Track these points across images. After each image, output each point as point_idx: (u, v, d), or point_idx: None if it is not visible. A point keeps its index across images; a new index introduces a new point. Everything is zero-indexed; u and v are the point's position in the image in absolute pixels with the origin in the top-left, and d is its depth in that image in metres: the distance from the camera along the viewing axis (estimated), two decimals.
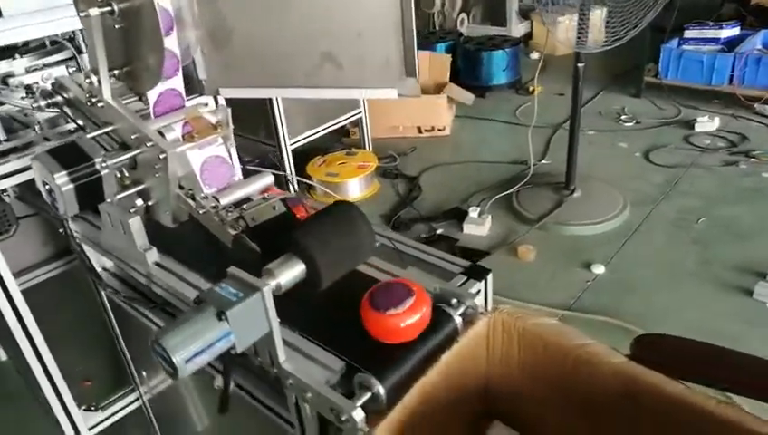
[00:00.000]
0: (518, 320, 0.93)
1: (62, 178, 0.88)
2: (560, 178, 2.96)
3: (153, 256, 1.08)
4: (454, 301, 0.92)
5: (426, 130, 3.88)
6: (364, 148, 3.64)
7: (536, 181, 3.11)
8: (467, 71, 4.41)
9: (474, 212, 2.80)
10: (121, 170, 1.02)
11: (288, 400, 0.86)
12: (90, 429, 1.54)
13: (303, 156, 3.36)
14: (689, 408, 0.79)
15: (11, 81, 1.42)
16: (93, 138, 1.00)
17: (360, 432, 0.73)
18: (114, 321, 1.43)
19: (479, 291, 1.15)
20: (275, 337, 0.79)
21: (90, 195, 0.93)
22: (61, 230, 1.16)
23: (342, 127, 3.75)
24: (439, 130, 3.87)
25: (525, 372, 0.97)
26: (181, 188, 1.00)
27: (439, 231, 2.77)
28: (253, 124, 3.26)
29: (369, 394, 0.76)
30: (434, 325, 0.86)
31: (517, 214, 2.88)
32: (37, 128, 1.27)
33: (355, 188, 3.22)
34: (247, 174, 1.08)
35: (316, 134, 3.34)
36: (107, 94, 0.98)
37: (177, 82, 1.02)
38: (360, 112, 3.54)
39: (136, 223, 1.05)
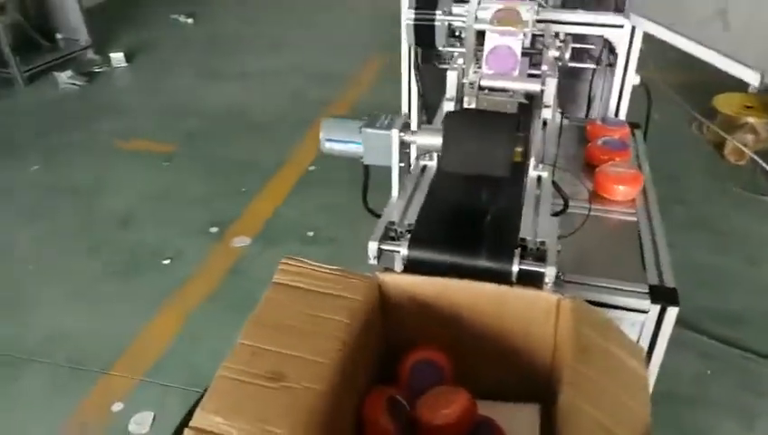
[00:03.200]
0: (576, 315, 0.88)
1: (409, 14, 1.22)
2: None
3: (449, 106, 1.36)
4: (543, 261, 0.92)
5: None
6: None
7: None
8: None
9: None
10: (460, 30, 1.30)
11: None
12: None
13: None
14: None
15: None
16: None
17: (370, 259, 0.94)
18: None
19: (647, 311, 1.03)
20: (393, 173, 1.02)
21: (425, 36, 1.25)
22: None
23: None
24: None
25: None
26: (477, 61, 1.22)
27: None
28: None
29: (398, 249, 0.94)
30: (493, 255, 0.90)
31: None
32: None
33: None
34: None
35: None
36: None
37: None
38: None
39: (452, 76, 1.33)
